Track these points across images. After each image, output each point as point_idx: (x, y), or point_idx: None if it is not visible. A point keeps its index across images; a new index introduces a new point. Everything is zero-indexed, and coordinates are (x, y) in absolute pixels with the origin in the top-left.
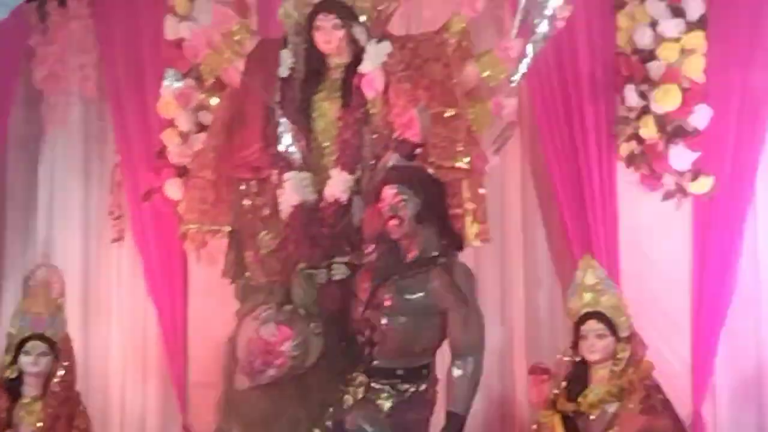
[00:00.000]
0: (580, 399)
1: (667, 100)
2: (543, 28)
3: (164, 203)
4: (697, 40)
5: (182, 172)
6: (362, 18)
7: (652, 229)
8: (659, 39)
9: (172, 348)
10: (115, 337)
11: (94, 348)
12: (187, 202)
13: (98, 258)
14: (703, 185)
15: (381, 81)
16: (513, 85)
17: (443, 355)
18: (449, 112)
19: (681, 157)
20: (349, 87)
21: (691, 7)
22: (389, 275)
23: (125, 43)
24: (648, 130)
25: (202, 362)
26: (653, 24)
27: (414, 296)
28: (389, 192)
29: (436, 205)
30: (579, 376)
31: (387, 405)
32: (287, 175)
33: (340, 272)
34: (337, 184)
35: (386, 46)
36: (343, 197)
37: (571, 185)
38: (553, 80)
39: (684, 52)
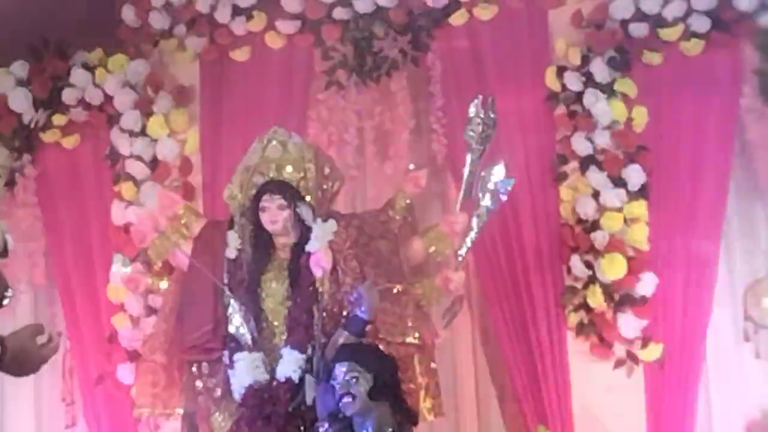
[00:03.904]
0: None
1: (612, 269)
2: (486, 201)
3: (116, 388)
4: (639, 209)
5: (133, 356)
6: (307, 198)
7: (604, 398)
8: (602, 209)
9: None
10: None
11: None
12: (139, 386)
13: None
14: (653, 352)
15: (328, 259)
16: (460, 259)
17: None
18: (397, 288)
19: (630, 324)
20: (297, 266)
21: (632, 177)
22: None
23: (73, 230)
24: (596, 299)
25: None
26: (595, 195)
27: None
28: (341, 369)
29: (389, 381)
30: None
31: None
32: (238, 356)
33: None
34: (289, 364)
35: (332, 225)
36: (295, 376)
37: (522, 356)
38: (500, 253)
39: (627, 221)
